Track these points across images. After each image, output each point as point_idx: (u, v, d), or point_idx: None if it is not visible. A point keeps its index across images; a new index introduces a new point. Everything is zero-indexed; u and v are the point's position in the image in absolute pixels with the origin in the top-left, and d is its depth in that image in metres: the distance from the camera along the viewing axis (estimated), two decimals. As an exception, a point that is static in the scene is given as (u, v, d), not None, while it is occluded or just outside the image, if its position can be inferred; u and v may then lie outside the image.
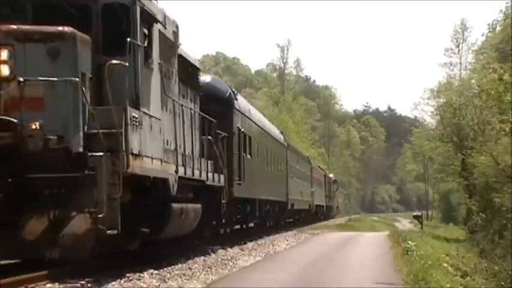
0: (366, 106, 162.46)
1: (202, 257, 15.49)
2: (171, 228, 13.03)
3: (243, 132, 21.54)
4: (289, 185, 33.60)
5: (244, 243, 20.52)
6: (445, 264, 16.07)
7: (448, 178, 43.33)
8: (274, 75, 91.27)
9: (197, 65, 16.89)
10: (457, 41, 61.03)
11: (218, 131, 17.53)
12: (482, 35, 51.40)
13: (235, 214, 21.61)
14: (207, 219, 16.65)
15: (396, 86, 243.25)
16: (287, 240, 24.72)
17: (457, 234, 38.08)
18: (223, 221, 19.04)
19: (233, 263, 15.16)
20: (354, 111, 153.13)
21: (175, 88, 13.90)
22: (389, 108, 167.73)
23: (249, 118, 23.34)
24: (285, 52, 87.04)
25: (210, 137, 16.83)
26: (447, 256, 19.54)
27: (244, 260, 16.27)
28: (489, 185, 29.77)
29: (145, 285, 10.86)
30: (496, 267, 18.62)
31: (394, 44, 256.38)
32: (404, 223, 69.77)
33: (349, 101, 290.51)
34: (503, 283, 16.62)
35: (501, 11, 42.80)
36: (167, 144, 13.03)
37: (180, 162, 13.52)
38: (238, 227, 24.68)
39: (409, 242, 18.95)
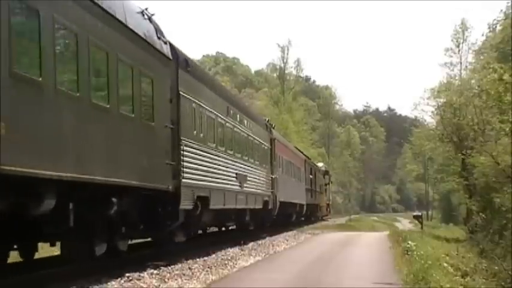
0: (366, 106, 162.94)
1: (202, 257, 15.50)
2: None
3: None
4: (185, 156, 15.48)
5: (245, 244, 20.51)
6: (445, 264, 16.06)
7: (448, 178, 43.27)
8: (274, 75, 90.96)
9: None
10: (457, 41, 60.84)
11: None
12: (483, 35, 51.46)
13: None
14: None
15: (396, 86, 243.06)
16: (287, 241, 24.69)
17: (457, 234, 38.06)
18: None
19: (233, 263, 15.17)
20: (354, 111, 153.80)
21: None
22: (389, 108, 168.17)
23: None
24: (285, 52, 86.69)
25: None
26: (447, 256, 19.53)
27: (244, 260, 16.28)
28: (489, 185, 29.72)
29: (145, 285, 10.87)
30: (496, 267, 18.59)
31: (394, 43, 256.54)
32: (405, 223, 69.69)
33: (349, 101, 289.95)
34: (503, 283, 16.61)
35: (501, 11, 42.84)
36: None
37: None
38: None
39: (409, 242, 18.95)
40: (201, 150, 16.94)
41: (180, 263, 13.88)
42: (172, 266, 13.20)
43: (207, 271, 13.20)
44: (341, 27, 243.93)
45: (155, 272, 12.25)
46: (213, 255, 16.25)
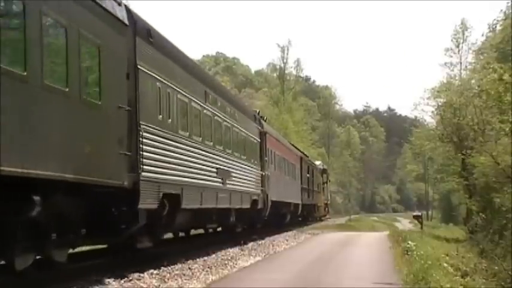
0: (366, 106, 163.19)
1: (202, 257, 15.50)
2: None
3: None
4: (145, 144, 12.77)
5: (245, 244, 20.50)
6: (445, 264, 16.05)
7: (448, 178, 43.26)
8: (274, 75, 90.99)
9: None
10: (457, 41, 61.00)
11: None
12: (482, 35, 51.51)
13: None
14: None
15: (396, 86, 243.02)
16: (287, 241, 24.68)
17: (457, 234, 38.06)
18: None
19: (233, 263, 15.18)
20: (354, 111, 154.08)
21: None
22: (389, 108, 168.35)
23: None
24: (285, 52, 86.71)
25: None
26: (447, 256, 19.52)
27: (244, 260, 16.28)
28: (489, 185, 29.71)
29: (145, 285, 10.87)
30: (496, 267, 18.59)
31: (394, 44, 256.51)
32: (404, 223, 69.71)
33: (349, 101, 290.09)
34: (503, 283, 16.59)
35: (501, 11, 42.90)
36: None
37: None
38: None
39: (409, 242, 18.95)
40: (168, 139, 14.08)
41: (180, 263, 13.88)
42: (172, 266, 13.20)
43: (207, 271, 13.20)
44: (341, 27, 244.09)
45: (155, 272, 12.26)
46: (213, 255, 16.25)
